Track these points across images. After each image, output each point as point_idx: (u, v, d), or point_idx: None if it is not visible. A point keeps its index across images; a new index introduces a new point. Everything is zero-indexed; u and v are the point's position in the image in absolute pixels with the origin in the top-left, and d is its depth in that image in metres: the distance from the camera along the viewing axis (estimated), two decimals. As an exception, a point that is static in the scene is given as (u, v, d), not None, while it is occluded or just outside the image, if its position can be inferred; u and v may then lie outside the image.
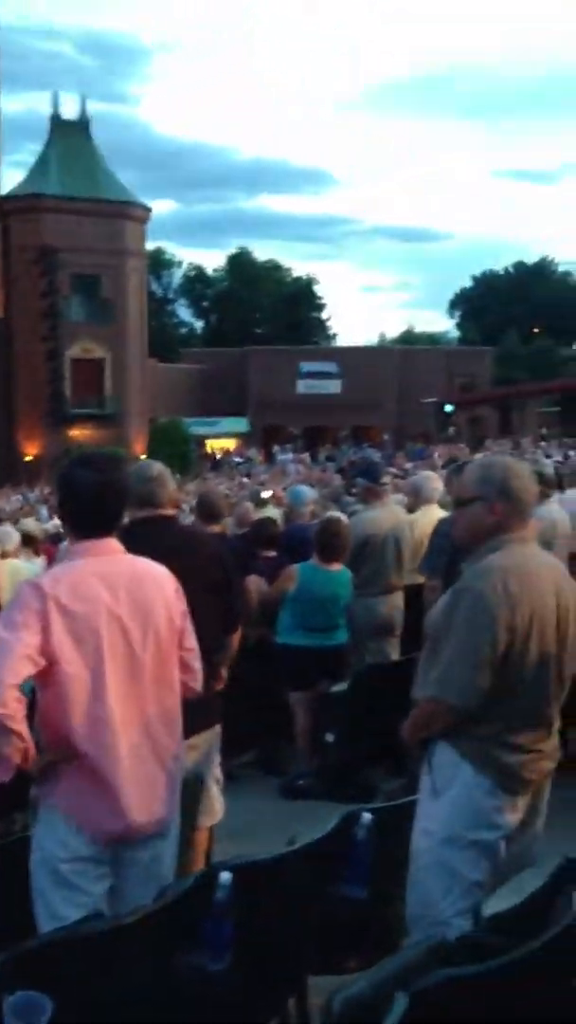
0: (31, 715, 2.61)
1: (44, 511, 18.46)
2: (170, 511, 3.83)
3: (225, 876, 2.46)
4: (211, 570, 3.74)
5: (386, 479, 7.46)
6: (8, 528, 8.31)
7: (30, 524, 11.30)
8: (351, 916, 2.92)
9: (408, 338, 71.15)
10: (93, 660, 2.64)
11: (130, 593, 2.73)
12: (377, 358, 49.32)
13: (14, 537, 7.46)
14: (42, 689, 2.65)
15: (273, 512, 9.10)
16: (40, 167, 39.83)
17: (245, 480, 24.37)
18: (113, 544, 2.78)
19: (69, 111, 41.40)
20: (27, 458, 37.96)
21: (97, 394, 39.59)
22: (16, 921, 2.72)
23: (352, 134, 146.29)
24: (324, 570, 5.99)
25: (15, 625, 2.55)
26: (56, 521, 11.47)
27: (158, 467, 3.83)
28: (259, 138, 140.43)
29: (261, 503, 10.20)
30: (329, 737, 5.82)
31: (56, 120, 40.68)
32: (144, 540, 3.14)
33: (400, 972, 2.22)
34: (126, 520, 3.60)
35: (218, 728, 3.99)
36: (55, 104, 41.06)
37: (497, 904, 2.53)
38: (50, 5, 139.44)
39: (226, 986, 2.51)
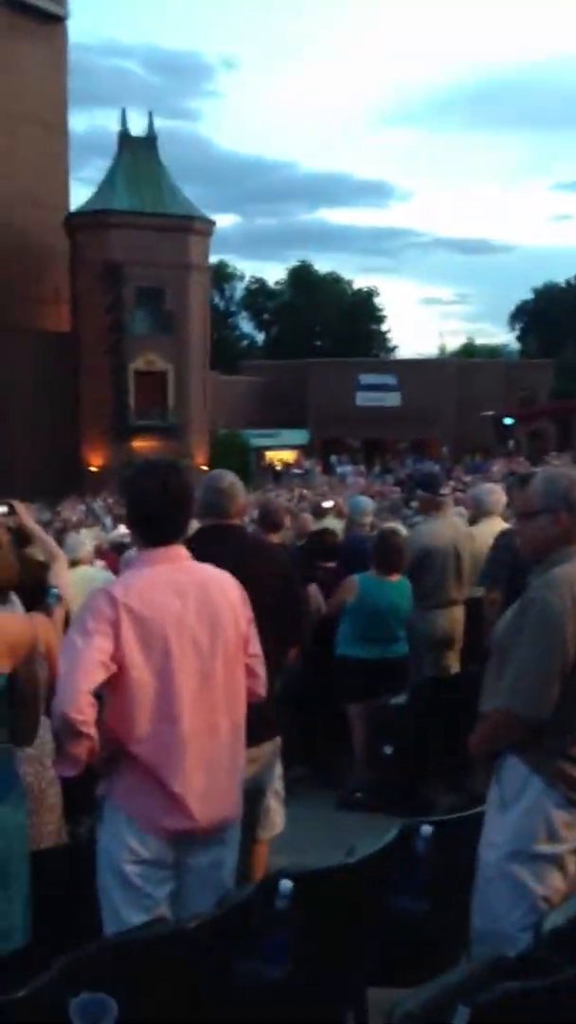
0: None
1: (108, 521, 18.67)
2: (238, 521, 3.87)
3: (286, 884, 2.47)
4: (276, 580, 3.76)
5: (446, 491, 7.43)
6: (79, 536, 8.43)
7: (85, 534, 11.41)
8: (410, 929, 2.91)
9: (468, 351, 70.69)
10: (162, 666, 2.67)
11: (198, 600, 2.76)
12: (436, 371, 49.03)
13: (86, 545, 7.58)
14: (110, 693, 2.68)
15: (334, 523, 9.09)
16: (108, 183, 40.42)
17: (305, 492, 24.40)
18: (180, 551, 2.81)
19: (136, 127, 42.06)
20: (91, 469, 38.48)
21: (160, 406, 39.98)
22: (82, 922, 2.76)
23: (412, 147, 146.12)
24: (383, 581, 5.98)
25: (89, 632, 2.61)
26: (120, 530, 11.57)
27: (230, 478, 3.87)
28: (320, 152, 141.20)
29: (322, 514, 10.19)
30: (387, 750, 5.79)
31: (124, 137, 41.28)
32: (212, 548, 3.18)
33: (459, 986, 2.21)
34: (196, 527, 3.65)
35: (278, 740, 4.00)
36: (123, 121, 41.66)
37: (557, 919, 2.50)
38: (117, 24, 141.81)
39: (284, 995, 2.52)
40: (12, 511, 4.42)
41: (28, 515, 4.88)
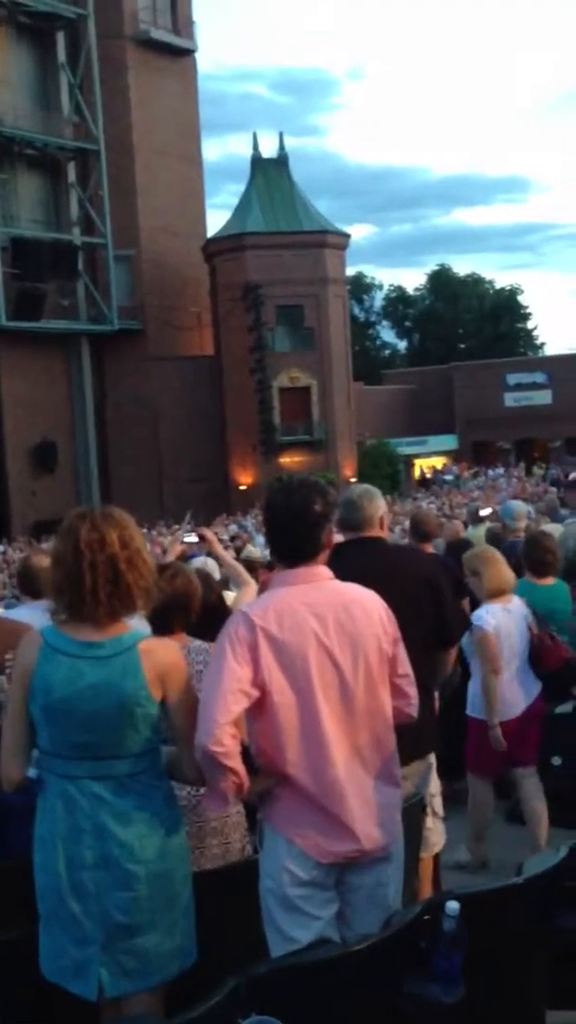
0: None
1: (260, 538, 18.93)
2: (375, 532, 3.79)
3: (452, 905, 2.40)
4: (419, 592, 3.65)
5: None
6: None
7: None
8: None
9: (621, 341, 68.20)
10: (303, 689, 2.63)
11: (338, 621, 2.70)
12: (588, 364, 47.50)
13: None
14: (254, 720, 2.65)
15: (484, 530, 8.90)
16: (243, 206, 41.14)
17: (458, 498, 24.09)
18: (320, 571, 2.76)
19: (266, 148, 42.69)
20: (240, 487, 39.12)
21: (305, 421, 40.29)
22: (244, 942, 2.77)
23: (544, 138, 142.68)
24: (536, 585, 5.81)
25: (227, 658, 2.57)
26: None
27: (359, 489, 3.83)
28: (450, 153, 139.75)
29: (479, 520, 10.01)
30: (556, 760, 5.60)
31: (256, 160, 41.99)
32: (348, 562, 3.13)
33: None
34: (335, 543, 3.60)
35: (431, 758, 3.89)
36: (255, 145, 42.37)
37: None
38: (243, 51, 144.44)
39: (459, 1018, 2.44)
40: (203, 540, 4.42)
41: (217, 543, 4.94)
